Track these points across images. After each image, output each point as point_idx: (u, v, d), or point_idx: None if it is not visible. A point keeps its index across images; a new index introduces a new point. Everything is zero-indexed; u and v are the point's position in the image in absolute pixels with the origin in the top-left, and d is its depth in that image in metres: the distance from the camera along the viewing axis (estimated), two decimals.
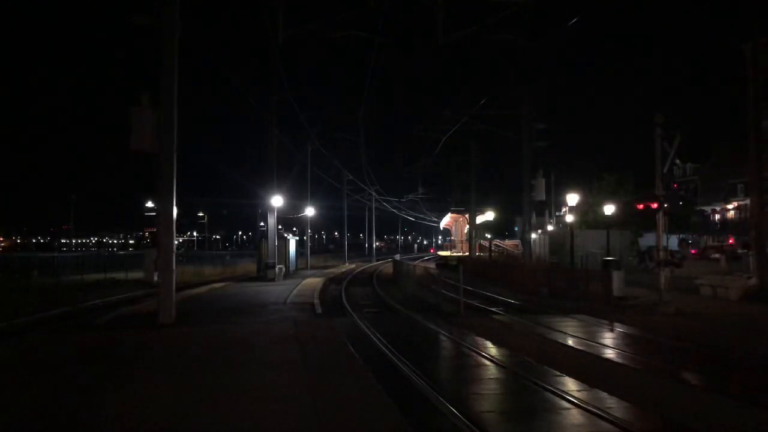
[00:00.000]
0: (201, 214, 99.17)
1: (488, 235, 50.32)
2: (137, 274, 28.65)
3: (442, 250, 72.86)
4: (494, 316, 16.22)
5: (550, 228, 44.11)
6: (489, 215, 50.21)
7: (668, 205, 17.39)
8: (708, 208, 65.02)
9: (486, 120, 30.36)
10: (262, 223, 36.92)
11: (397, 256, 51.69)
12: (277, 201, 30.86)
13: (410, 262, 37.32)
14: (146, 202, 46.62)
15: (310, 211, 49.05)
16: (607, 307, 16.83)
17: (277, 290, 23.51)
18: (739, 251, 36.20)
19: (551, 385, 7.71)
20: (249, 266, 40.34)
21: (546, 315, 15.93)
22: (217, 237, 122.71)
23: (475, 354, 10.32)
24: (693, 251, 23.16)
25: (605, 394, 7.34)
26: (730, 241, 43.21)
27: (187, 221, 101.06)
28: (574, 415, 6.58)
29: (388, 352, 10.24)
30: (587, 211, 43.75)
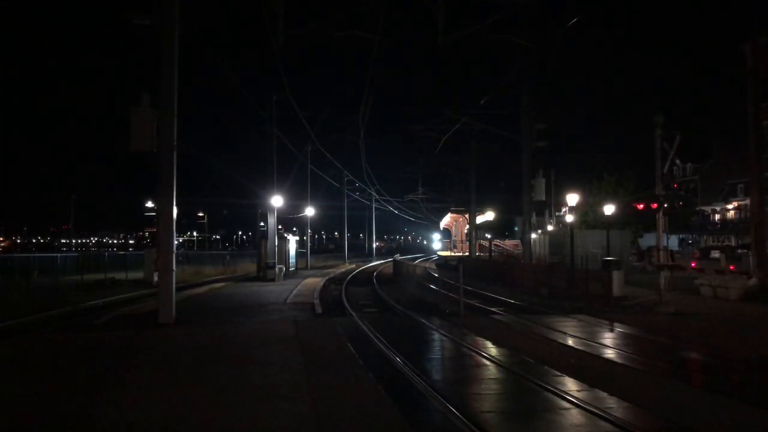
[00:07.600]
0: (201, 214, 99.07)
1: (488, 235, 50.26)
2: (137, 274, 28.67)
3: (442, 250, 72.83)
4: (494, 316, 16.21)
5: (550, 228, 44.09)
6: (489, 215, 50.15)
7: (668, 205, 17.39)
8: (708, 208, 65.09)
9: (486, 120, 30.41)
10: (262, 223, 36.98)
11: (397, 256, 51.70)
12: (277, 201, 30.86)
13: (410, 263, 37.36)
14: (146, 202, 46.77)
15: (310, 211, 49.06)
16: (607, 307, 16.82)
17: (277, 290, 23.51)
18: (739, 251, 36.20)
19: (551, 385, 7.71)
20: (249, 266, 40.33)
21: (546, 315, 15.92)
22: (217, 237, 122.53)
23: (475, 354, 10.32)
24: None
25: (605, 394, 7.34)
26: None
27: (187, 221, 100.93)
28: (574, 415, 6.58)
29: (388, 351, 10.25)
30: (587, 211, 43.76)
